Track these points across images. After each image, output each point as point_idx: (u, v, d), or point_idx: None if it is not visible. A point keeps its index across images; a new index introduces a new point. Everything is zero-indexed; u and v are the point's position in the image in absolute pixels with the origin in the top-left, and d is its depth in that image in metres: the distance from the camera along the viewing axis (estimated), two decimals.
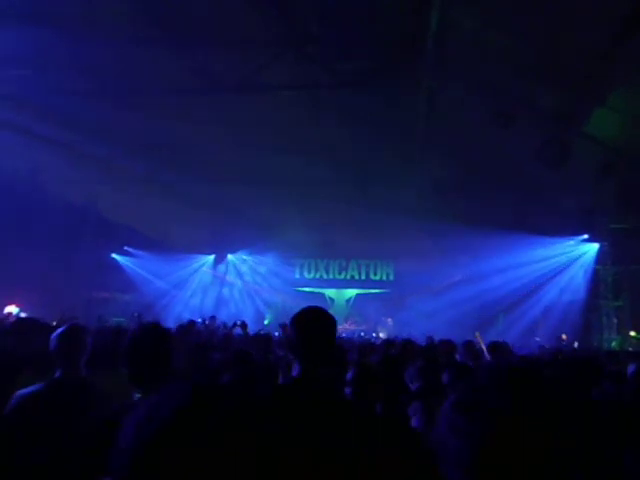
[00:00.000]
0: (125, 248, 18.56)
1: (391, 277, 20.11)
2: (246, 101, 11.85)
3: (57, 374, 2.36)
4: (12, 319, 8.99)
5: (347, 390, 2.57)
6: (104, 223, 16.03)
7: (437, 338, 8.93)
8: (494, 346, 4.69)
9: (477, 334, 7.73)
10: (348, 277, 20.41)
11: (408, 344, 5.45)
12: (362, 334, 14.87)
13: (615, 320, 14.05)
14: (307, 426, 1.54)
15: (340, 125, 12.40)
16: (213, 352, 4.03)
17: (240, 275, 20.41)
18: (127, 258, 18.78)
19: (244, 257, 20.43)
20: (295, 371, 1.77)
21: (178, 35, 10.26)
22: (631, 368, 3.85)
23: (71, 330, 2.47)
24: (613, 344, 13.26)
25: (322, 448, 1.49)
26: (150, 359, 1.98)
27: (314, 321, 1.84)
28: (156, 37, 10.17)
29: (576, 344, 11.93)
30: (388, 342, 5.78)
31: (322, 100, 11.92)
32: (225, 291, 20.18)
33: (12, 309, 13.14)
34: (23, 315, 12.53)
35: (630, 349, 12.30)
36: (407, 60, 11.45)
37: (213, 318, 11.60)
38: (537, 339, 12.56)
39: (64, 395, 2.28)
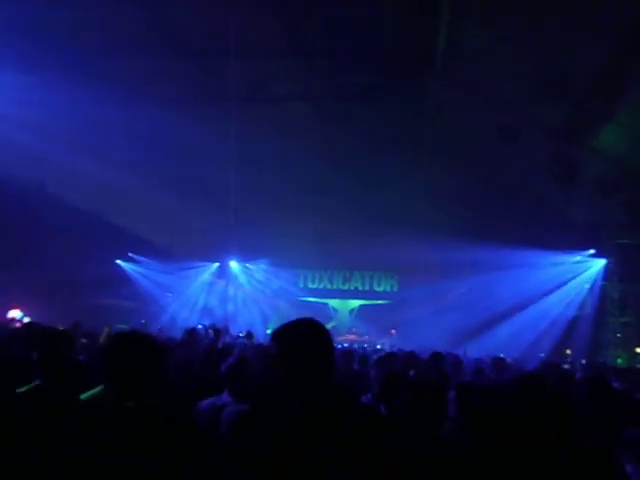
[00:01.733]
0: (130, 255, 18.59)
1: (395, 288, 20.04)
2: (253, 108, 11.95)
3: None
4: (16, 324, 9.00)
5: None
6: (110, 229, 16.06)
7: (441, 350, 8.86)
8: (497, 362, 4.66)
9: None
10: (352, 288, 20.36)
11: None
12: (365, 345, 14.78)
13: (620, 336, 13.92)
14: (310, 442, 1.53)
15: (346, 135, 12.47)
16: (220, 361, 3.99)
17: (243, 284, 20.38)
18: (132, 265, 18.81)
19: (248, 266, 20.42)
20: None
21: (191, 44, 10.42)
22: None
23: None
24: (619, 361, 13.13)
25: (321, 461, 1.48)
26: (126, 371, 1.82)
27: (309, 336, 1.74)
28: (170, 47, 10.33)
29: (542, 355, 11.88)
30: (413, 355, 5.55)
31: (329, 110, 12.00)
32: (229, 300, 20.14)
33: (16, 313, 13.15)
34: (27, 320, 12.53)
35: (638, 365, 12.18)
36: (414, 73, 11.54)
37: (214, 326, 11.46)
38: (541, 354, 12.43)
39: None
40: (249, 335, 6.90)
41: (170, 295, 19.10)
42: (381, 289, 20.22)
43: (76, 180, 13.69)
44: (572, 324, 14.73)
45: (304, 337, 1.70)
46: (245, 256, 19.82)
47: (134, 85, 11.30)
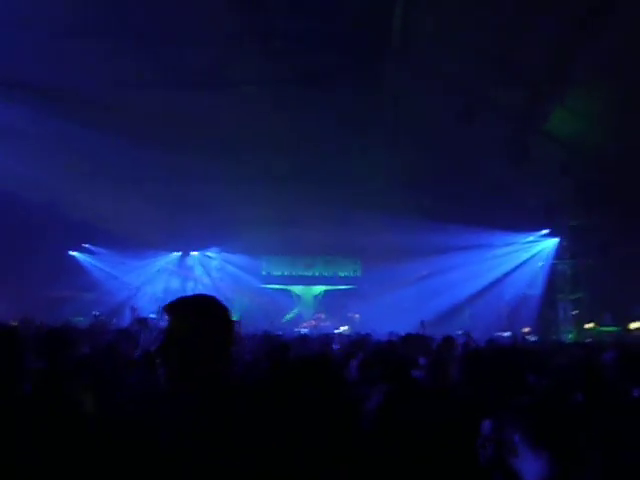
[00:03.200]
0: (84, 245, 18.06)
1: (358, 273, 20.17)
2: (208, 96, 11.66)
3: None
4: None
5: None
6: (64, 220, 15.52)
7: (403, 332, 8.99)
8: (446, 340, 4.74)
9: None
10: (316, 274, 20.34)
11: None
12: (324, 331, 14.84)
13: (573, 313, 14.44)
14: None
15: (306, 119, 12.34)
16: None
17: (205, 273, 20.08)
18: (87, 256, 18.29)
19: (209, 254, 20.12)
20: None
21: (141, 32, 10.00)
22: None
23: None
24: (570, 336, 13.64)
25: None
26: None
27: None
28: (121, 34, 9.90)
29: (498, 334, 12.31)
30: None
31: (285, 94, 11.82)
32: (190, 289, 19.85)
33: None
34: None
35: (587, 340, 12.67)
36: (372, 56, 11.48)
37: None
38: (499, 334, 12.79)
39: None
40: None
41: (130, 286, 18.69)
42: (344, 274, 20.30)
43: (28, 171, 13.10)
44: (526, 302, 15.23)
45: (201, 311, 1.60)
46: (204, 245, 19.53)
47: (84, 69, 10.81)
